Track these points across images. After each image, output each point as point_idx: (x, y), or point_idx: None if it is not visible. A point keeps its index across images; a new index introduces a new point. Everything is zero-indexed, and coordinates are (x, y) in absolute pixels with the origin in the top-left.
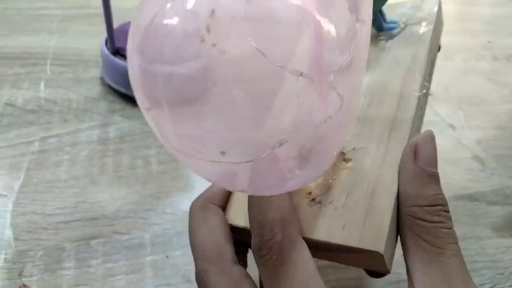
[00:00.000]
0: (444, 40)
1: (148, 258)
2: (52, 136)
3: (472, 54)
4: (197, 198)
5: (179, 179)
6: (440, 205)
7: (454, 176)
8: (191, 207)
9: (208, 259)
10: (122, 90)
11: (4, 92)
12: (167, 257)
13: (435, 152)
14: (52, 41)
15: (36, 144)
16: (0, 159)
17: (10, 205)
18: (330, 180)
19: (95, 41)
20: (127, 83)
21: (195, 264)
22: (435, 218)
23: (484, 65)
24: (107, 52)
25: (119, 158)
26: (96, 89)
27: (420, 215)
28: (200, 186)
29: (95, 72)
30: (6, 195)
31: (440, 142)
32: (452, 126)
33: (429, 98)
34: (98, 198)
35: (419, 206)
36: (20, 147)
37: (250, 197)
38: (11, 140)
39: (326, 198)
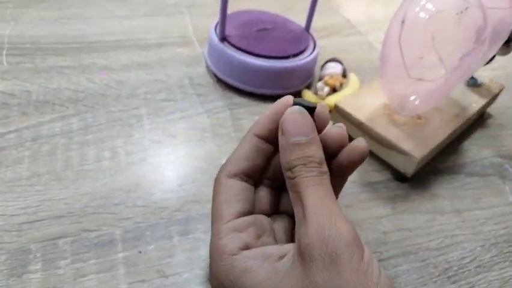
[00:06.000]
0: None
1: (120, 255)
2: (11, 131)
3: None
4: None
5: (150, 169)
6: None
7: None
8: None
9: None
10: (226, 78)
11: None
12: (140, 252)
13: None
14: (7, 30)
15: None
16: None
17: None
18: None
19: (53, 28)
20: (230, 70)
21: None
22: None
23: None
24: (215, 38)
25: (85, 151)
26: (55, 79)
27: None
28: (171, 175)
29: (54, 60)
30: None
31: None
32: None
33: None
34: (63, 195)
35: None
36: None
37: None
38: None
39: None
